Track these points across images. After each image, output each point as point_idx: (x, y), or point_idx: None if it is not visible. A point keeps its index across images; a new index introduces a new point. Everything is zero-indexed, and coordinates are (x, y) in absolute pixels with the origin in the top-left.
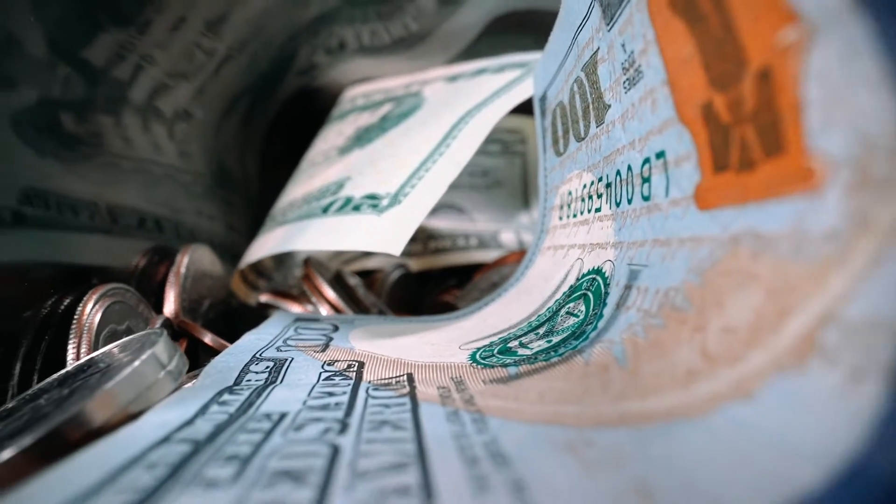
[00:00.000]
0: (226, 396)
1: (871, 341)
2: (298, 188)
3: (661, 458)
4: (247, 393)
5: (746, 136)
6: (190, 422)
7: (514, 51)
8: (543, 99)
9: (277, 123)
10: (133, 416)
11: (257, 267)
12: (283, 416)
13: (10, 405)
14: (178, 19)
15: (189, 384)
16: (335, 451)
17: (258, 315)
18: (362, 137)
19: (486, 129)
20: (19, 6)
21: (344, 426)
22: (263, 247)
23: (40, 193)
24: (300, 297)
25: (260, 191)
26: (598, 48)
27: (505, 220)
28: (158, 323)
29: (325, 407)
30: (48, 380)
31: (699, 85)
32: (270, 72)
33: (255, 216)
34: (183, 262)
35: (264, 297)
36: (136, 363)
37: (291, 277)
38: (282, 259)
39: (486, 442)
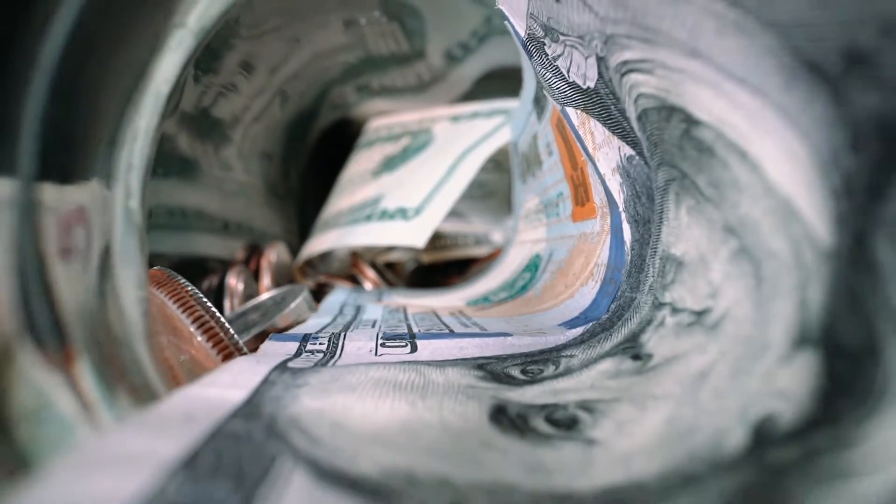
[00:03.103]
0: (340, 315)
1: (595, 272)
2: (343, 201)
3: (534, 317)
4: (349, 316)
5: (580, 191)
6: (333, 321)
7: (503, 91)
8: (515, 145)
9: (315, 146)
10: (297, 324)
11: (309, 260)
12: (375, 320)
13: None
14: (249, 66)
15: (313, 314)
16: (409, 325)
17: (314, 294)
18: (389, 164)
19: (479, 163)
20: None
21: (406, 321)
22: (321, 244)
23: (162, 205)
24: (347, 279)
25: (302, 200)
26: (537, 130)
27: (496, 223)
28: (271, 292)
29: (392, 318)
30: (234, 313)
31: (569, 166)
32: (312, 106)
33: (301, 220)
34: (272, 253)
35: (323, 278)
36: (299, 299)
37: (331, 268)
38: (324, 255)
39: (472, 321)
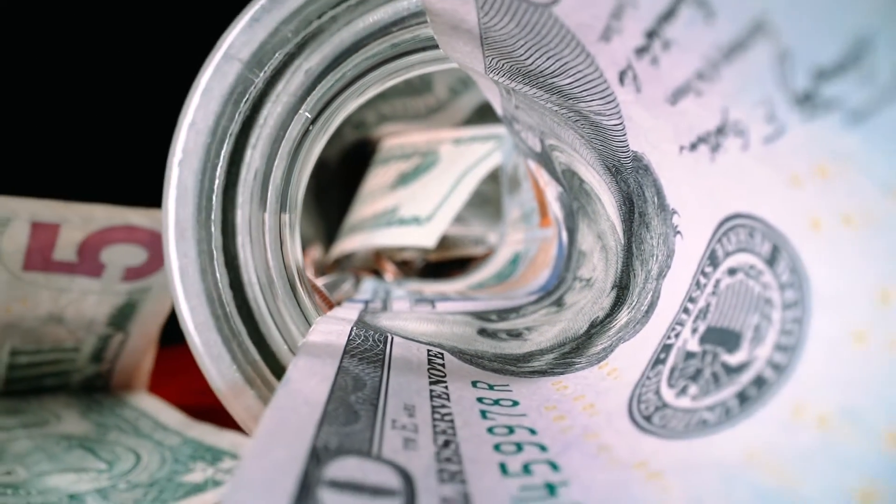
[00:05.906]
0: (376, 296)
1: (549, 262)
2: (365, 209)
3: (510, 292)
4: (382, 297)
5: (543, 208)
6: (372, 299)
7: (495, 118)
8: (504, 168)
9: (339, 161)
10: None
11: (336, 258)
12: (403, 296)
13: None
14: None
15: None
16: (427, 298)
17: None
18: (403, 180)
19: (477, 180)
20: None
21: (424, 297)
22: (349, 244)
23: None
24: (370, 271)
25: (328, 208)
26: (518, 161)
27: (491, 227)
28: (324, 279)
29: (414, 295)
30: None
31: (536, 189)
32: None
33: (327, 224)
34: (314, 251)
35: (351, 271)
36: (348, 284)
37: (352, 265)
38: (348, 254)
39: (472, 296)
